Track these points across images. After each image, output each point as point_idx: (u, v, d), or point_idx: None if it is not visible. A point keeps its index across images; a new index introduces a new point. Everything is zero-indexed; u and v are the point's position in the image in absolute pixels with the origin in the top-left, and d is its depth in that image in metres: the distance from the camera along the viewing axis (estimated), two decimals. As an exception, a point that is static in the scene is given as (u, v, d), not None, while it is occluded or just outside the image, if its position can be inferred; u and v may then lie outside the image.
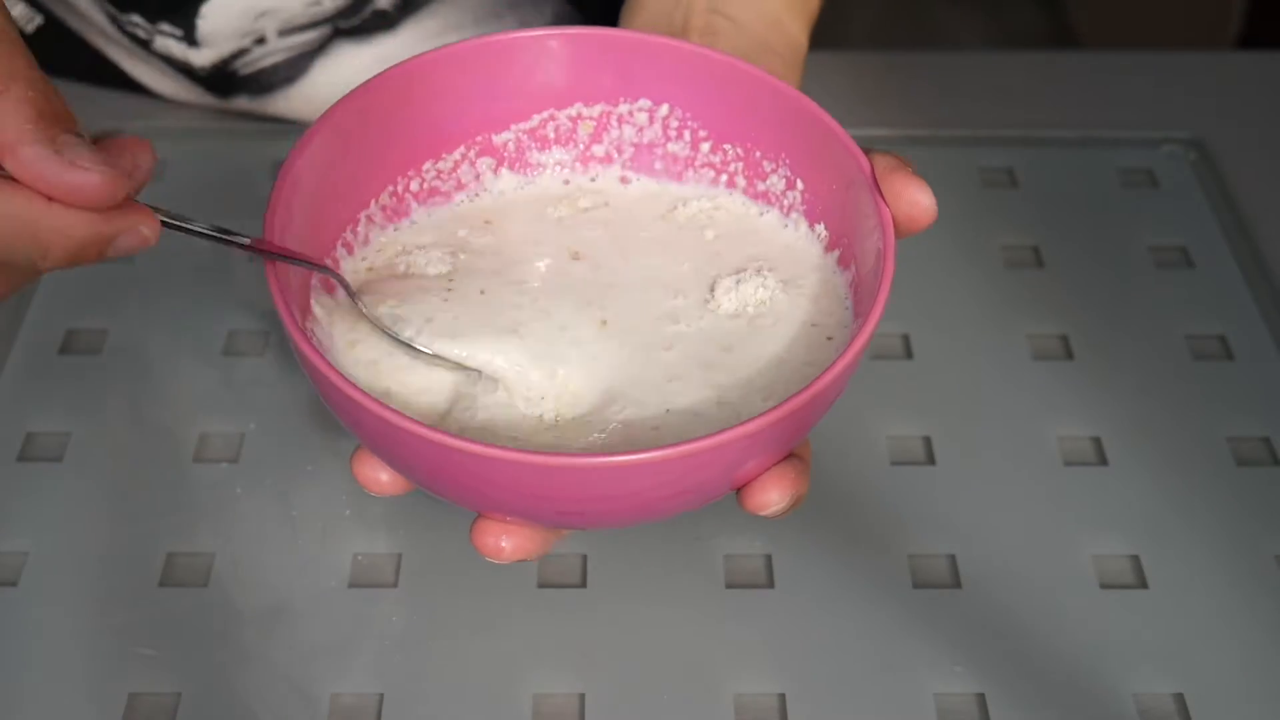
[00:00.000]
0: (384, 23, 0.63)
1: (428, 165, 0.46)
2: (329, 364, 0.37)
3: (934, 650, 0.47)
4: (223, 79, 0.63)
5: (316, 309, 0.42)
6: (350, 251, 0.45)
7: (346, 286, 0.43)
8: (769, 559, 0.49)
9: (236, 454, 0.52)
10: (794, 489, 0.39)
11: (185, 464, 0.52)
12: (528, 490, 0.36)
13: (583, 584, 0.49)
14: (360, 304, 0.42)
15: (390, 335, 0.42)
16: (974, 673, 0.46)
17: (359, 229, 0.45)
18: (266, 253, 0.39)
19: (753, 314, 0.43)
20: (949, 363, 0.56)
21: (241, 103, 0.65)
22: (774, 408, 0.36)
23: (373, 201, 0.45)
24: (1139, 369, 0.56)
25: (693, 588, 0.49)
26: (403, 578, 0.49)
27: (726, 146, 0.46)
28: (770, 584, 0.49)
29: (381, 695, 0.45)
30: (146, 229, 0.36)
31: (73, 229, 0.34)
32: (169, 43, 0.61)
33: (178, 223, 0.38)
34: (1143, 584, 0.49)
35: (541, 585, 0.49)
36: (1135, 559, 0.50)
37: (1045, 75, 0.71)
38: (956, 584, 0.49)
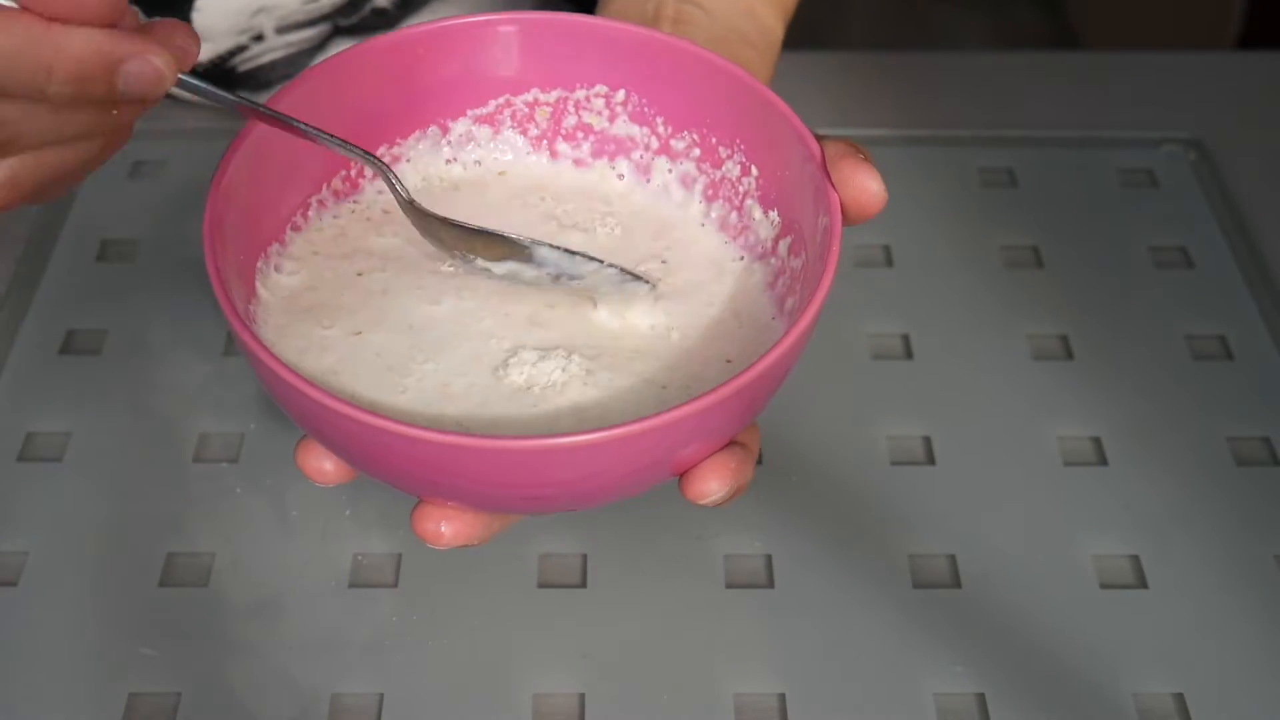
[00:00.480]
0: (383, 21, 0.63)
1: (382, 150, 0.46)
2: (262, 344, 0.36)
3: (934, 650, 0.47)
4: (221, 75, 0.63)
5: (262, 291, 0.42)
6: (298, 230, 0.45)
7: (389, 176, 0.42)
8: (769, 559, 0.49)
9: (236, 454, 0.52)
10: (734, 478, 0.38)
11: (185, 464, 0.52)
12: (458, 472, 0.36)
13: (583, 584, 0.49)
14: (399, 192, 0.42)
15: (438, 217, 0.42)
16: (974, 673, 0.46)
17: (309, 212, 0.45)
18: (292, 125, 0.39)
19: (538, 394, 0.41)
20: (949, 363, 0.56)
21: None
22: (713, 389, 0.35)
23: (324, 185, 0.45)
24: (1139, 369, 0.56)
25: (693, 588, 0.49)
26: (403, 578, 0.49)
27: (685, 133, 0.46)
28: (770, 584, 0.49)
29: (381, 695, 0.46)
30: (158, 59, 0.35)
31: (72, 45, 0.34)
32: None
33: (196, 83, 0.37)
34: (1143, 584, 0.49)
35: (541, 585, 0.49)
36: (1135, 559, 0.50)
37: (1045, 75, 0.71)
38: (956, 584, 0.49)
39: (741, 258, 0.45)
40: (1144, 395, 0.55)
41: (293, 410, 0.38)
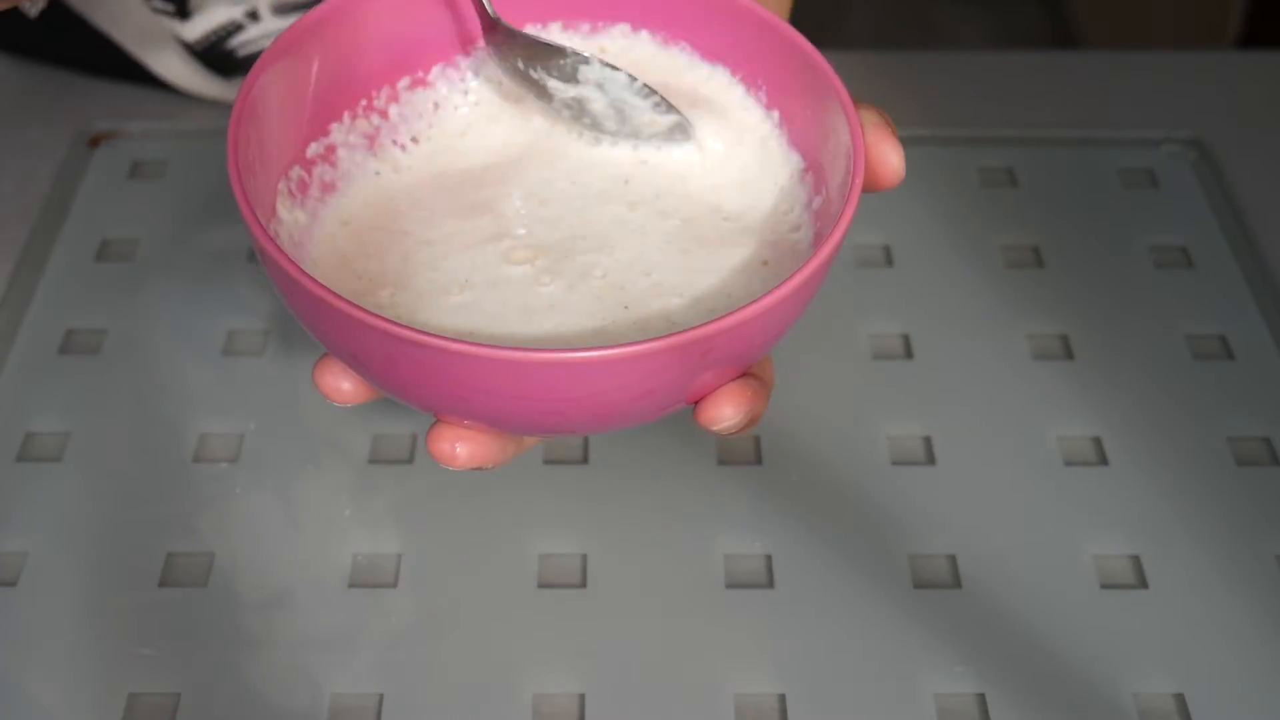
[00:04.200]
0: None
1: (426, 72, 0.46)
2: (284, 254, 0.36)
3: (934, 650, 0.47)
4: (220, 57, 0.63)
5: (282, 211, 0.42)
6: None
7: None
8: (769, 559, 0.49)
9: (236, 454, 0.52)
10: (749, 405, 0.38)
11: (185, 464, 0.52)
12: (474, 384, 0.36)
13: (583, 584, 0.49)
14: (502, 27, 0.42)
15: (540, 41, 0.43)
16: (974, 673, 0.46)
17: (332, 138, 0.45)
18: None
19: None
20: (949, 363, 0.56)
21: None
22: (730, 313, 0.35)
23: (345, 113, 0.45)
24: (1139, 369, 0.56)
25: (693, 588, 0.49)
26: (403, 578, 0.49)
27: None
28: (770, 584, 0.49)
29: (381, 695, 0.46)
30: None
31: None
32: (161, 18, 0.61)
33: None
34: (1143, 584, 0.49)
35: (541, 585, 0.49)
36: (1135, 559, 0.50)
37: (1045, 75, 0.71)
38: (956, 584, 0.49)
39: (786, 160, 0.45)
40: (1144, 395, 0.55)
41: (312, 321, 0.37)
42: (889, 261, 0.60)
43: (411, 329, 0.35)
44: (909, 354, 0.57)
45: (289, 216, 0.42)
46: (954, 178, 0.64)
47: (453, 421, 0.39)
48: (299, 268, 0.36)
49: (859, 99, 0.42)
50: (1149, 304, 0.59)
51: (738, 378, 0.39)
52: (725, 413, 0.38)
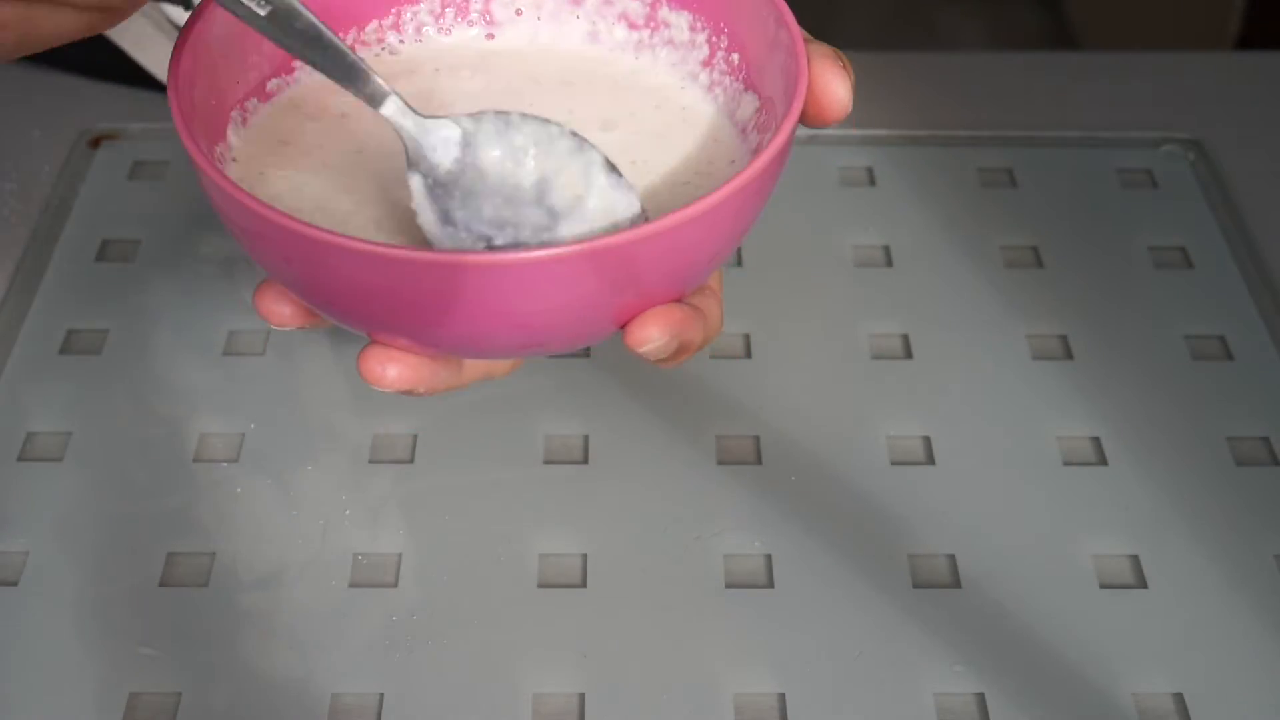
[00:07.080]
0: None
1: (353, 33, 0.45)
2: (218, 169, 0.36)
3: (934, 650, 0.47)
4: None
5: (232, 138, 0.42)
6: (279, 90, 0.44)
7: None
8: (769, 559, 0.49)
9: (236, 454, 0.52)
10: (676, 329, 0.38)
11: (185, 464, 0.52)
12: (387, 290, 0.35)
13: (583, 584, 0.49)
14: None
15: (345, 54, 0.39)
16: (974, 673, 0.46)
17: (295, 74, 0.44)
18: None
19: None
20: (949, 363, 0.56)
21: None
22: (655, 219, 0.35)
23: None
24: (1139, 369, 0.56)
25: (693, 588, 0.49)
26: (403, 578, 0.49)
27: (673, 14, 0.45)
28: (770, 584, 0.49)
29: (381, 695, 0.46)
30: None
31: None
32: (168, 9, 0.62)
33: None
34: (1143, 584, 0.49)
35: (541, 585, 0.49)
36: (1135, 559, 0.50)
37: (1045, 75, 0.71)
38: (956, 584, 0.49)
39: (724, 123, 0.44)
40: (1144, 395, 0.55)
41: (242, 233, 0.37)
42: (889, 262, 0.60)
43: (320, 229, 0.34)
44: (909, 354, 0.57)
45: (239, 144, 0.42)
46: (953, 178, 0.64)
47: (384, 342, 0.38)
48: (221, 171, 0.35)
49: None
50: (1148, 304, 0.59)
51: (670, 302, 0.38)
52: (651, 333, 0.37)
